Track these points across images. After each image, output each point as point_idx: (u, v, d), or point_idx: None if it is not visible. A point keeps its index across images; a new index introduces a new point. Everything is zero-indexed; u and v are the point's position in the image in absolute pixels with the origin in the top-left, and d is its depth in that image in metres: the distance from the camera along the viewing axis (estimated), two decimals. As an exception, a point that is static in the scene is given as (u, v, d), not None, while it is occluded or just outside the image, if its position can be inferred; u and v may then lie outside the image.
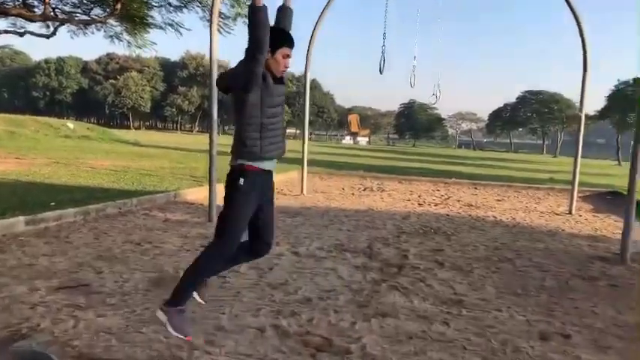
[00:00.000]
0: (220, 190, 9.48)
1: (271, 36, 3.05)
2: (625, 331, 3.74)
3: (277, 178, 12.99)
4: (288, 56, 3.17)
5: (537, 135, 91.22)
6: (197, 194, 9.35)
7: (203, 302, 3.42)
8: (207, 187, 7.57)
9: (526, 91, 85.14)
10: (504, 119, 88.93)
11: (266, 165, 3.17)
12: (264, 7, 2.94)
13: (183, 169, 14.40)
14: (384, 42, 9.93)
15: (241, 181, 3.09)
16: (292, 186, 11.91)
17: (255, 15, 2.93)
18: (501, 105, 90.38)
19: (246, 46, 3.03)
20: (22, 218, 6.14)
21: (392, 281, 4.73)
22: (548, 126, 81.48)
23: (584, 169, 25.69)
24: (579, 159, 9.73)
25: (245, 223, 3.17)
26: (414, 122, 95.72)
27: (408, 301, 4.19)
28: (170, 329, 3.06)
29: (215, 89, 7.58)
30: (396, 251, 5.98)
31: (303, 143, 10.96)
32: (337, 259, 5.46)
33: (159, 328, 3.37)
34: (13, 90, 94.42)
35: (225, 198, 3.16)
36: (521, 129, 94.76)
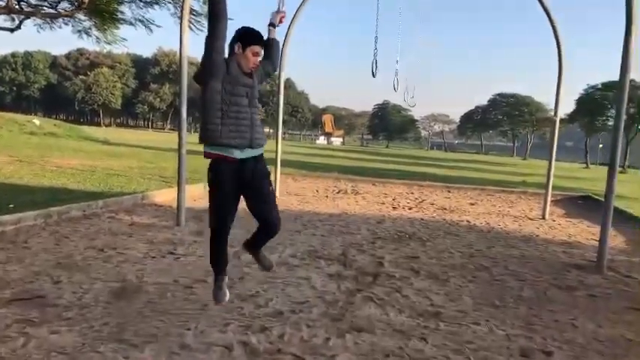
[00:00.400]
0: (189, 190, 9.18)
1: (242, 34, 3.42)
2: (607, 347, 3.63)
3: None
4: (258, 54, 3.43)
5: (507, 137, 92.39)
6: (166, 196, 9.07)
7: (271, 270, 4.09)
8: (176, 188, 7.29)
9: (497, 94, 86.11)
10: (475, 121, 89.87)
11: (233, 153, 3.33)
12: None
13: (152, 168, 14.03)
14: (375, 45, 9.82)
15: (210, 174, 3.44)
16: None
17: (214, 5, 3.27)
18: (473, 107, 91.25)
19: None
20: (-24, 222, 5.81)
21: (367, 291, 4.55)
22: (518, 128, 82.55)
23: (555, 172, 26.03)
24: (553, 163, 9.73)
25: (223, 211, 3.51)
26: (388, 123, 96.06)
27: (384, 313, 4.02)
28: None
29: (185, 87, 7.34)
30: (371, 258, 5.81)
31: (277, 143, 10.72)
32: (310, 268, 5.26)
33: (117, 346, 3.15)
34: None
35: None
36: (491, 131, 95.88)
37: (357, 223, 8.03)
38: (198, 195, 10.04)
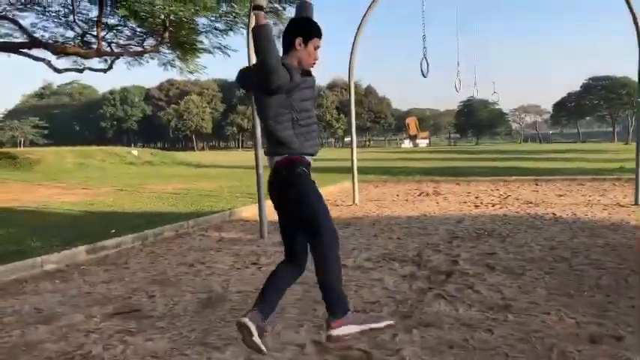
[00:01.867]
0: (268, 205, 9.67)
1: (304, 26, 3.15)
2: (684, 330, 3.54)
3: (330, 190, 13.09)
4: (319, 47, 3.18)
5: (607, 122, 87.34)
6: (252, 211, 9.53)
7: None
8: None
9: (590, 78, 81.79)
10: (569, 109, 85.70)
11: (309, 160, 3.19)
12: (268, 25, 2.95)
13: (240, 186, 14.72)
14: (424, 44, 9.80)
15: (299, 169, 3.13)
16: (345, 196, 11.93)
17: (260, 34, 2.88)
18: (565, 95, 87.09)
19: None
20: (83, 247, 6.48)
21: (438, 289, 4.66)
22: (617, 112, 77.85)
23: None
24: (641, 146, 9.25)
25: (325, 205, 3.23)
26: (475, 119, 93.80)
27: (454, 309, 4.12)
28: (359, 328, 3.23)
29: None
30: (445, 257, 5.89)
31: (352, 151, 10.96)
32: (384, 270, 5.43)
33: (202, 349, 3.49)
34: (84, 122, 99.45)
35: (296, 196, 3.17)
36: (588, 118, 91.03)
37: (435, 224, 8.08)
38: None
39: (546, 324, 3.72)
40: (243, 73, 3.33)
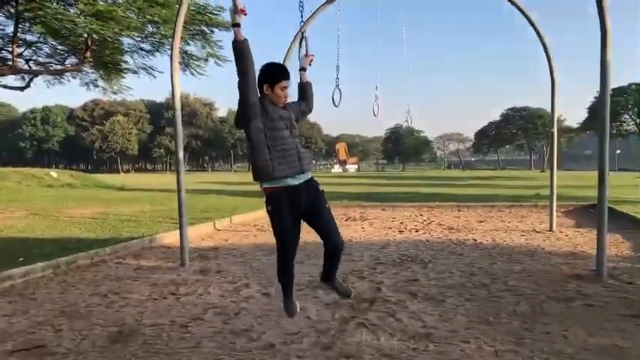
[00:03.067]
0: (199, 229, 9.46)
1: (267, 74, 3.61)
2: (595, 356, 3.63)
3: (256, 215, 12.90)
4: (286, 87, 3.64)
5: (524, 151, 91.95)
6: (174, 237, 9.18)
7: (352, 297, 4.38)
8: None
9: (509, 109, 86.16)
10: (490, 137, 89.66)
11: (288, 182, 3.61)
12: (246, 40, 3.46)
13: (164, 211, 14.25)
14: (337, 74, 9.93)
15: (268, 207, 3.71)
16: (273, 222, 11.79)
17: (239, 52, 3.45)
18: (486, 124, 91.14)
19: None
20: (-15, 278, 5.99)
21: (361, 318, 4.61)
22: (534, 141, 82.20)
23: (571, 182, 25.82)
24: (555, 174, 9.70)
25: (285, 236, 3.83)
26: (402, 146, 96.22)
27: (375, 338, 4.07)
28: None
29: (180, 129, 7.52)
30: (369, 284, 5.87)
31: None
32: (308, 298, 5.34)
33: (108, 389, 3.24)
34: (0, 142, 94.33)
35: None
36: (508, 146, 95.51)
37: (360, 250, 8.09)
38: (207, 233, 10.22)
39: (465, 353, 3.73)
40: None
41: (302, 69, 4.14)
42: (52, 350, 3.96)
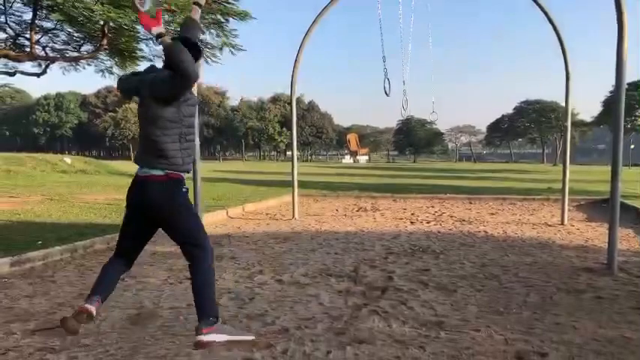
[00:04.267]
0: (211, 217, 9.56)
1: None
2: (604, 346, 3.69)
3: (270, 203, 13.02)
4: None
5: (537, 144, 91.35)
6: (188, 224, 9.33)
7: None
8: (194, 217, 7.53)
9: (523, 102, 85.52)
10: (503, 130, 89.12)
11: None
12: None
13: (177, 198, 14.40)
14: (384, 65, 10.07)
15: (185, 188, 3.70)
16: (285, 210, 11.90)
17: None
18: (499, 116, 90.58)
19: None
20: (6, 259, 6.13)
21: (373, 305, 4.69)
22: (547, 135, 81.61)
23: (583, 177, 25.69)
24: (567, 168, 9.72)
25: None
26: (413, 138, 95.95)
27: (387, 325, 4.15)
28: (228, 338, 3.63)
29: (196, 118, 7.58)
30: (381, 273, 5.95)
31: (293, 166, 10.97)
32: (320, 285, 5.43)
33: (129, 368, 3.36)
34: (15, 128, 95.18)
35: (180, 210, 3.68)
36: (520, 139, 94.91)
37: (372, 240, 8.17)
38: (220, 221, 10.34)
39: (476, 341, 3.80)
40: (128, 78, 3.81)
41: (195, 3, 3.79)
42: (73, 330, 4.08)
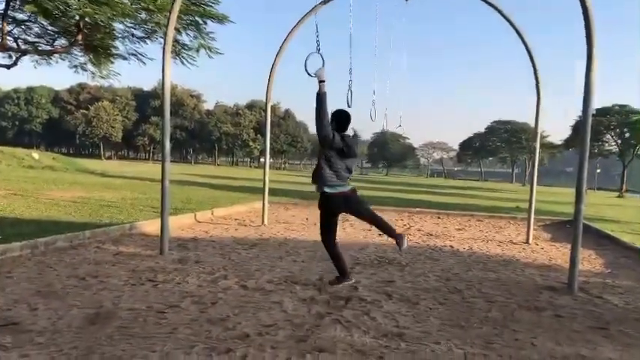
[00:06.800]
0: (179, 219, 9.47)
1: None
2: (560, 363, 3.75)
3: (239, 209, 12.93)
4: None
5: (507, 164, 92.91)
6: (154, 225, 9.19)
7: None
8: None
9: (495, 121, 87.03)
10: (474, 148, 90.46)
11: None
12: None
13: (145, 199, 14.22)
14: (350, 77, 10.07)
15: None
16: (255, 216, 11.83)
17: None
18: (471, 135, 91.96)
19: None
20: (-38, 253, 5.96)
21: (336, 314, 4.68)
22: (517, 155, 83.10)
23: (550, 198, 26.19)
24: (535, 188, 9.89)
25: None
26: (387, 152, 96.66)
27: (349, 334, 4.14)
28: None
29: (167, 119, 7.49)
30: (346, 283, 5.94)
31: (264, 172, 10.92)
32: (285, 293, 5.39)
33: (83, 368, 3.28)
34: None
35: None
36: (491, 158, 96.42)
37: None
38: (187, 224, 10.22)
39: (436, 354, 3.81)
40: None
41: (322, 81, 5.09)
42: (27, 328, 3.97)
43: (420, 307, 5.10)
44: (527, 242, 9.87)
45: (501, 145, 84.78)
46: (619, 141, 61.76)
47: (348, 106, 9.82)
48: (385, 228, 5.60)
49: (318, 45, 5.52)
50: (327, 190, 5.22)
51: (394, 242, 5.53)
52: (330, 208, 5.41)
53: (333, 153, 5.11)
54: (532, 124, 9.95)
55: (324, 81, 4.94)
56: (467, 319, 4.74)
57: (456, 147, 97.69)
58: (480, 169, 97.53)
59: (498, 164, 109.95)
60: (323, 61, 5.32)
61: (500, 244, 9.64)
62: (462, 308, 5.14)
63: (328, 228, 5.59)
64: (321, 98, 4.90)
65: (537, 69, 9.30)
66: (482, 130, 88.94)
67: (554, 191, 40.11)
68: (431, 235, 10.46)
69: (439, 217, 14.09)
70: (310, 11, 9.85)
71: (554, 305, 5.40)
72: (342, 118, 5.34)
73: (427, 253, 8.35)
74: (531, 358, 3.81)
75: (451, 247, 9.05)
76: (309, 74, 5.09)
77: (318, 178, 5.27)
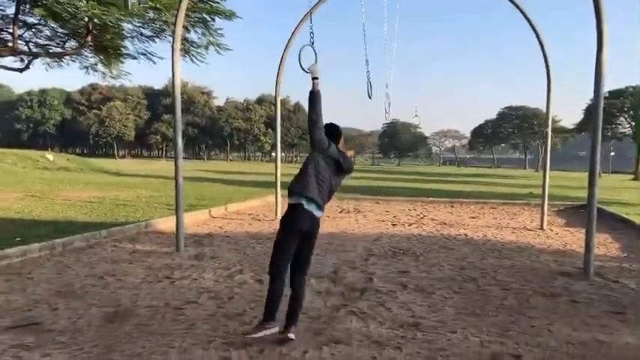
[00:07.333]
0: (195, 216, 9.55)
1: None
2: (577, 349, 3.75)
3: (253, 204, 13.00)
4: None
5: (519, 150, 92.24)
6: (169, 223, 9.28)
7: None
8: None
9: (506, 107, 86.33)
10: (486, 135, 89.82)
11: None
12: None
13: (159, 197, 14.33)
14: (367, 68, 10.06)
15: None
16: (268, 211, 11.89)
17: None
18: (482, 122, 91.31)
19: None
20: (-17, 256, 6.06)
21: (351, 306, 4.71)
22: (529, 141, 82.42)
23: (564, 183, 26.00)
24: (548, 173, 9.84)
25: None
26: (398, 141, 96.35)
27: (365, 326, 4.17)
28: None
29: (179, 116, 7.53)
30: (361, 275, 5.97)
31: (276, 167, 10.97)
32: (300, 286, 5.43)
33: (104, 365, 3.34)
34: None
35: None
36: (503, 144, 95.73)
37: (353, 242, 8.20)
38: (202, 220, 10.30)
39: (452, 342, 3.83)
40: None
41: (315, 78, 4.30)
42: (48, 327, 4.05)
43: (435, 296, 5.12)
44: (541, 228, 9.83)
45: (513, 131, 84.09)
46: (633, 123, 60.98)
47: (369, 98, 9.85)
48: (296, 306, 4.01)
49: (312, 37, 5.18)
50: (303, 202, 4.02)
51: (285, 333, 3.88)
52: (298, 224, 4.04)
53: (323, 163, 4.14)
54: (544, 109, 9.87)
55: (317, 78, 4.23)
56: (482, 307, 4.75)
57: (468, 134, 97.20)
58: (492, 156, 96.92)
59: (510, 150, 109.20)
60: (316, 55, 4.68)
61: (514, 231, 9.61)
62: (477, 296, 5.15)
63: (285, 251, 4.14)
64: (315, 97, 4.15)
65: (547, 55, 9.22)
66: (494, 116, 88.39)
67: (568, 176, 39.82)
68: (445, 224, 10.45)
69: (452, 206, 14.06)
70: (317, 4, 9.84)
71: (569, 291, 5.40)
72: (334, 130, 4.39)
73: (441, 242, 8.35)
74: (548, 345, 3.82)
75: (465, 235, 9.04)
76: (303, 69, 4.68)
77: (300, 185, 4.08)
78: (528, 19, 8.89)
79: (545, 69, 9.34)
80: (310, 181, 4.07)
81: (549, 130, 9.83)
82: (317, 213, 4.07)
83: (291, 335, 3.78)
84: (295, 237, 4.10)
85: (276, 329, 3.83)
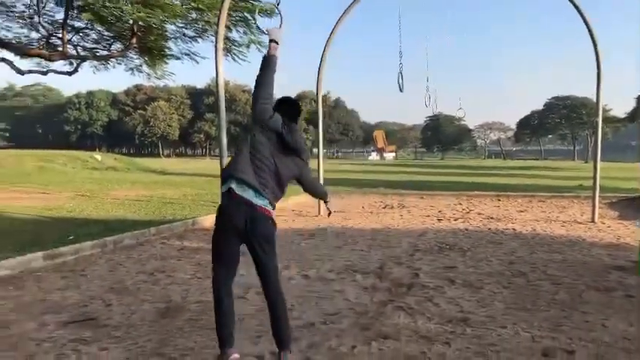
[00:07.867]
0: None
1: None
2: (633, 345, 3.63)
3: (296, 200, 13.09)
4: None
5: (568, 141, 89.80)
6: (215, 220, 9.43)
7: None
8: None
9: (553, 97, 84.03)
10: (532, 127, 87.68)
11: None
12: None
13: (205, 195, 14.57)
14: (400, 60, 9.96)
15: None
16: (311, 207, 11.94)
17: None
18: (528, 113, 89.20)
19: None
20: (40, 254, 6.30)
21: (399, 301, 4.69)
22: (577, 131, 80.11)
23: (616, 174, 25.13)
24: (598, 164, 9.55)
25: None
26: (441, 135, 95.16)
27: (413, 321, 4.15)
28: None
29: (223, 114, 7.65)
30: (407, 270, 5.93)
31: (319, 163, 11.00)
32: (346, 281, 5.45)
33: (158, 359, 3.42)
34: (47, 126, 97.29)
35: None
36: (550, 136, 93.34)
37: (398, 237, 8.15)
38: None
39: (502, 337, 3.77)
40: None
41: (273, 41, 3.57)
42: (103, 323, 4.18)
43: (484, 291, 5.04)
44: (592, 221, 9.55)
45: (561, 121, 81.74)
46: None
47: (400, 91, 9.76)
48: (277, 322, 3.44)
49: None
50: (233, 185, 3.20)
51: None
52: (229, 217, 3.30)
53: (262, 138, 3.25)
54: (592, 98, 9.58)
55: (277, 42, 3.50)
56: (533, 302, 4.66)
57: (514, 126, 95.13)
58: (539, 148, 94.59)
59: (558, 142, 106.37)
60: (281, 20, 4.25)
61: (564, 225, 9.36)
62: (527, 291, 5.05)
63: (218, 255, 3.64)
64: (269, 61, 3.40)
65: (597, 42, 8.94)
66: (541, 107, 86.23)
67: (619, 167, 38.48)
68: (491, 218, 10.27)
69: (499, 200, 13.80)
70: (353, 3, 9.81)
71: (624, 285, 5.23)
72: (292, 103, 3.59)
73: (488, 237, 8.21)
74: (602, 340, 3.72)
75: (513, 229, 8.86)
76: (259, 29, 3.84)
77: (229, 166, 3.33)
78: (576, 5, 8.64)
79: (594, 55, 9.06)
80: (242, 159, 3.23)
81: (599, 119, 9.52)
82: (257, 201, 3.20)
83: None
84: (229, 235, 3.40)
85: (237, 356, 3.27)
